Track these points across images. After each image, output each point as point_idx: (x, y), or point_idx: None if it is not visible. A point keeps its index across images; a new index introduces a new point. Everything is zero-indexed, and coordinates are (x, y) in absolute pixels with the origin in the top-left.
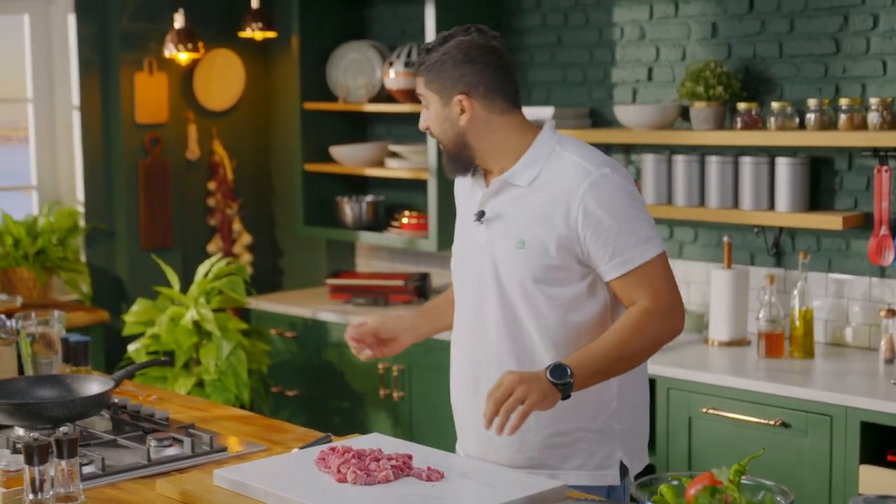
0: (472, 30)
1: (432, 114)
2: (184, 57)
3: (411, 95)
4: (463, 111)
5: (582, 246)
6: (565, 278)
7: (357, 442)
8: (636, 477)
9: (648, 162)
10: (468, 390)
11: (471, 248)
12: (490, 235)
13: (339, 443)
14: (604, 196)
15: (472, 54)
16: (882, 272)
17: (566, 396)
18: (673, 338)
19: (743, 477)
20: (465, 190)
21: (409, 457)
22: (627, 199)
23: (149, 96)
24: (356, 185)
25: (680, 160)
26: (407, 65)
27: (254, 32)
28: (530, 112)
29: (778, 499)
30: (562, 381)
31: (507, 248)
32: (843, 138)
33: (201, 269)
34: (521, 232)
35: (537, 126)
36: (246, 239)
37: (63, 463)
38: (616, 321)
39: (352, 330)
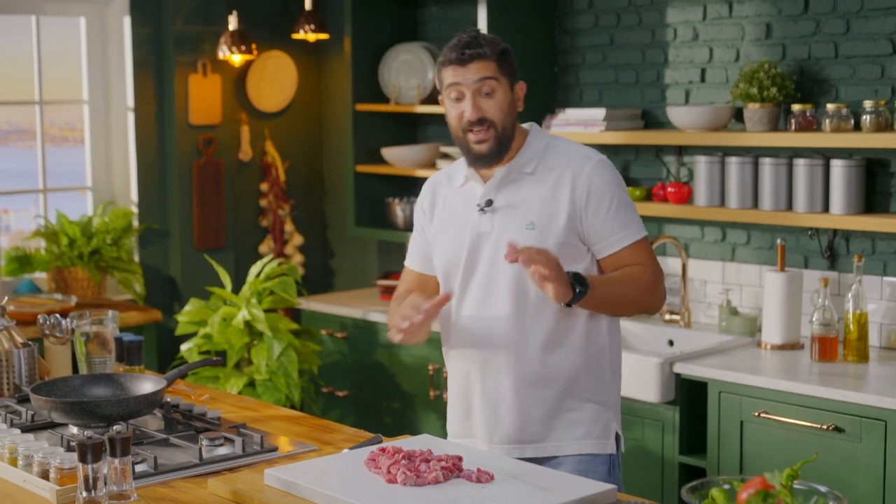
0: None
1: (499, 99)
2: (237, 58)
3: None
4: (519, 98)
5: (583, 223)
6: (572, 255)
7: (407, 443)
8: (686, 481)
9: (701, 164)
10: (478, 372)
11: (473, 238)
12: (495, 222)
13: (390, 443)
14: (605, 177)
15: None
16: None
17: (568, 304)
18: (653, 311)
19: (795, 482)
20: (445, 191)
21: (460, 458)
22: (622, 184)
23: (202, 98)
24: (407, 186)
25: (733, 162)
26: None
27: (306, 34)
28: (582, 113)
29: None
30: (580, 287)
31: (516, 231)
32: None
33: (253, 270)
34: (529, 215)
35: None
36: (297, 240)
37: (116, 461)
38: (617, 270)
39: (414, 316)
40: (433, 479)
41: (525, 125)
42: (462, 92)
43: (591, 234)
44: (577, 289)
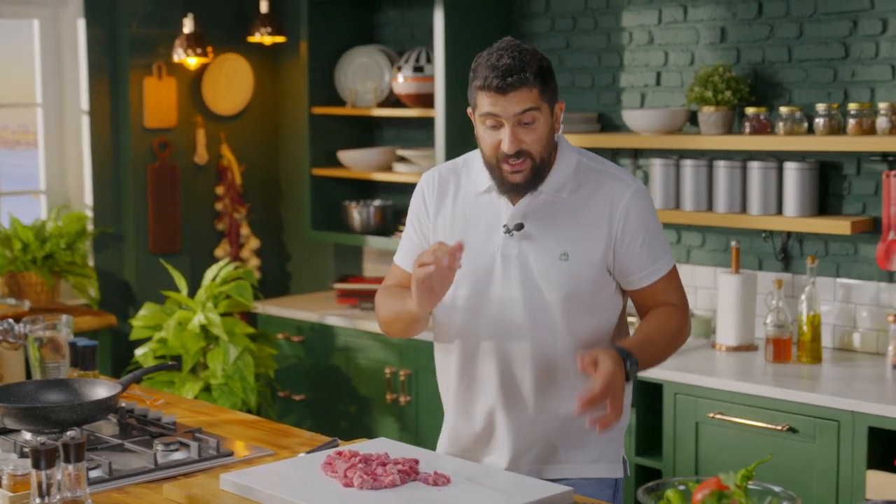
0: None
1: (539, 130)
2: (193, 61)
3: (419, 100)
4: (558, 119)
5: (615, 253)
6: (603, 286)
7: (364, 446)
8: (643, 482)
9: (657, 167)
10: (501, 398)
11: (496, 259)
12: (524, 247)
13: (346, 447)
14: (642, 207)
15: None
16: (890, 277)
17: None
18: (683, 343)
19: (750, 482)
20: (456, 192)
21: (416, 461)
22: (655, 213)
23: (158, 101)
24: (364, 189)
25: (688, 165)
26: (507, 84)
27: (263, 37)
28: None
29: None
30: (634, 375)
31: (548, 260)
32: (851, 143)
33: (209, 274)
34: (563, 244)
35: None
36: (254, 243)
37: (70, 467)
38: (654, 319)
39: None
40: (390, 483)
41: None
42: (500, 122)
43: (622, 266)
44: (629, 371)
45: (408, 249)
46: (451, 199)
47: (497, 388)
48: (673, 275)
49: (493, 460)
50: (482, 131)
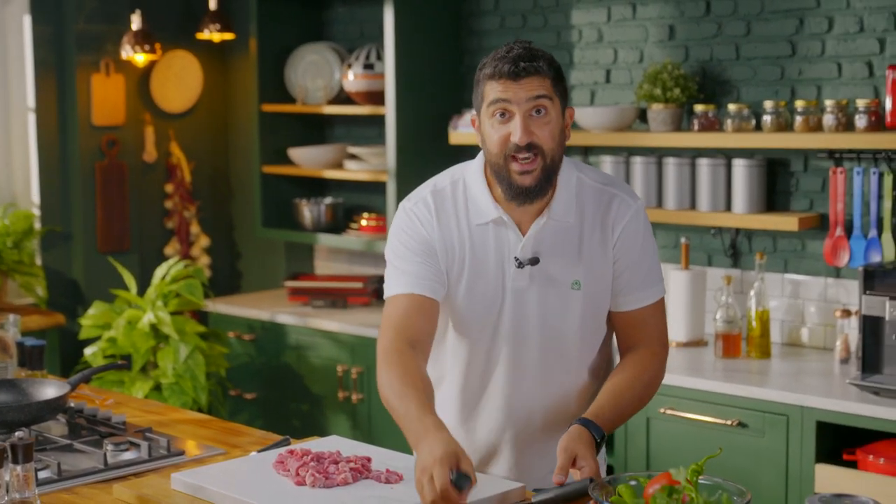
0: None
1: (552, 123)
2: (141, 58)
3: (370, 97)
4: (568, 126)
5: (613, 272)
6: (607, 310)
7: (316, 445)
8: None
9: (606, 164)
10: (503, 427)
11: (507, 294)
12: (536, 277)
13: (298, 445)
14: (640, 228)
15: None
16: (837, 273)
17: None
18: (658, 387)
19: (700, 477)
20: (456, 225)
21: (369, 459)
22: (652, 236)
23: (105, 98)
24: (315, 187)
25: (638, 162)
26: (519, 70)
27: (211, 34)
28: None
29: (735, 498)
30: (599, 439)
31: (561, 291)
32: (798, 140)
33: (158, 272)
34: (574, 272)
35: None
36: (204, 241)
37: (18, 468)
38: (629, 371)
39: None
40: (342, 481)
41: None
42: (510, 110)
43: (616, 285)
44: (598, 443)
45: (420, 273)
46: (455, 229)
47: (503, 424)
48: (660, 306)
49: (498, 468)
50: (489, 127)
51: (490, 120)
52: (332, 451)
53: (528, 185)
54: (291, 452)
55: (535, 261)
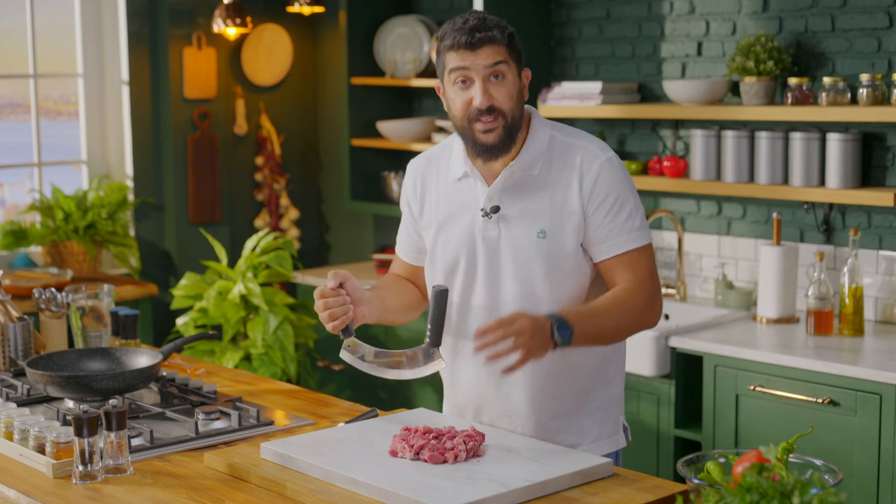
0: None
1: (509, 86)
2: (232, 32)
3: None
4: (525, 86)
5: (585, 222)
6: (583, 258)
7: (403, 417)
8: (682, 454)
9: (697, 138)
10: (491, 376)
11: (478, 242)
12: (503, 229)
13: (386, 417)
14: (612, 177)
15: None
16: None
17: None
18: (650, 327)
19: (790, 455)
20: (436, 184)
21: (483, 436)
22: (630, 186)
23: (197, 71)
24: (403, 160)
25: (729, 136)
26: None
27: (302, 7)
28: (578, 87)
29: (826, 477)
30: (564, 340)
31: (526, 238)
32: (895, 114)
33: (249, 244)
34: (540, 222)
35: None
36: (293, 214)
37: (112, 435)
38: (606, 295)
39: (330, 299)
40: (451, 458)
41: (525, 109)
42: (470, 77)
43: (590, 235)
44: (557, 343)
45: (404, 243)
46: (434, 194)
47: (484, 368)
48: (644, 253)
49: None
50: (452, 93)
51: (452, 87)
52: (420, 425)
53: (491, 142)
54: (411, 430)
55: (496, 209)
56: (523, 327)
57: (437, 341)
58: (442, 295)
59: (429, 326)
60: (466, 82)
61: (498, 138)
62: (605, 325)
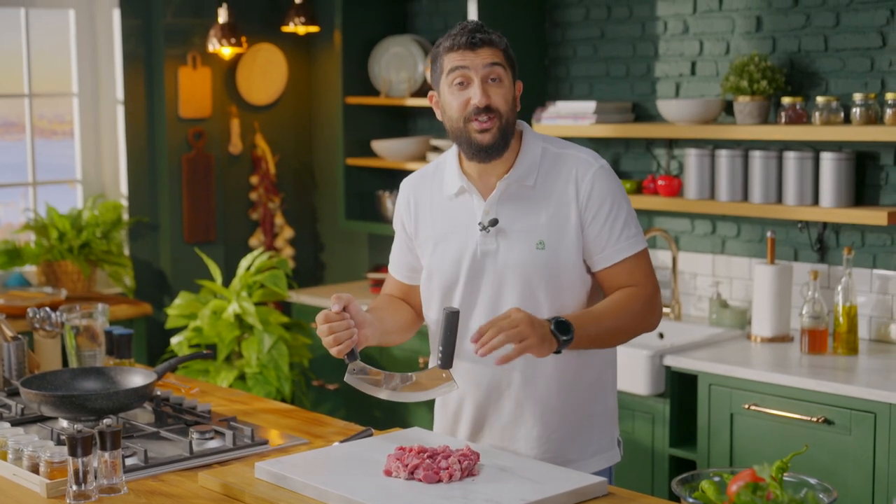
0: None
1: (505, 89)
2: (227, 51)
3: None
4: (517, 97)
5: (584, 233)
6: (582, 268)
7: (398, 436)
8: (677, 473)
9: (691, 157)
10: (493, 391)
11: (477, 257)
12: (501, 242)
13: (381, 437)
14: (606, 185)
15: None
16: None
17: (558, 352)
18: (650, 330)
19: (785, 474)
20: (430, 201)
21: (478, 455)
22: (623, 193)
23: (192, 90)
24: (398, 179)
25: (723, 155)
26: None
27: (296, 27)
28: (572, 106)
29: (821, 496)
30: (565, 336)
31: (525, 250)
32: (888, 133)
33: (243, 263)
34: (538, 233)
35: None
36: (288, 233)
37: (106, 455)
38: (607, 298)
39: (335, 324)
40: (445, 478)
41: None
42: (469, 77)
43: (589, 244)
44: (558, 341)
45: (398, 263)
46: (428, 212)
47: (487, 378)
48: (642, 258)
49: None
50: (449, 95)
51: (450, 88)
52: (440, 447)
53: (486, 142)
54: (405, 449)
55: (494, 222)
56: (518, 320)
57: (448, 363)
58: (453, 316)
59: (439, 348)
60: (464, 83)
61: (493, 139)
62: (607, 325)
